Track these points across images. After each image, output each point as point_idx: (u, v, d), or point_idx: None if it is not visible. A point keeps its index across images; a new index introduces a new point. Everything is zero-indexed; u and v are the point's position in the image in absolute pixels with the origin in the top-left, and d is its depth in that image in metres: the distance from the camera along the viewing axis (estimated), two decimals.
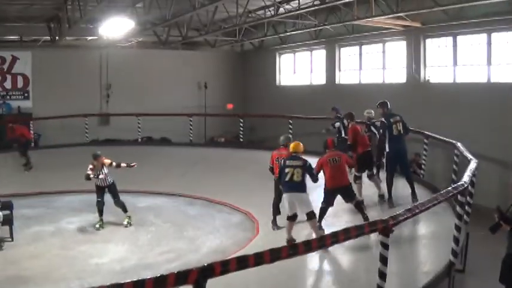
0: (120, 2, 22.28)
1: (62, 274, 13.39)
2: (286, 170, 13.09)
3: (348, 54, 28.81)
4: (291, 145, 13.79)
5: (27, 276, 13.32)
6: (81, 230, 17.39)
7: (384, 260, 7.71)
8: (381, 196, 15.58)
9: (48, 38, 31.13)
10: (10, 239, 16.04)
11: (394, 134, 14.96)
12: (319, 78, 30.67)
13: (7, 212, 16.43)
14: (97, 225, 17.29)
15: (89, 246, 15.61)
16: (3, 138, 26.61)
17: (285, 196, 13.32)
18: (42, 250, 15.33)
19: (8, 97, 31.45)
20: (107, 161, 17.32)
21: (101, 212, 17.33)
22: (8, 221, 16.13)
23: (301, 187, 13.05)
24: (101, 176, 17.25)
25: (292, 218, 13.06)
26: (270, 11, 24.41)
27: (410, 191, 14.78)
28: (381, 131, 15.69)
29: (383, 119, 15.30)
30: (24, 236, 16.58)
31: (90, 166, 17.09)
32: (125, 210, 17.64)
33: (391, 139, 14.99)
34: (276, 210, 15.51)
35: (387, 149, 15.13)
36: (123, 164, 17.81)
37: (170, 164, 23.73)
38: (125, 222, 17.46)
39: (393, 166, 15.21)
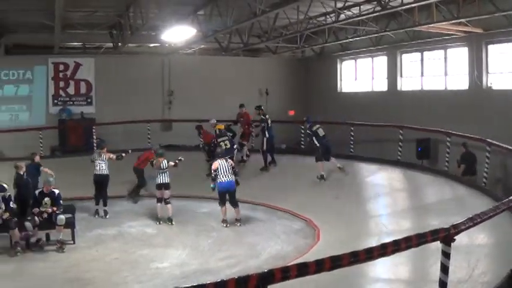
0: (181, 9, 22.45)
1: (122, 278, 13.58)
2: None
3: (409, 61, 28.48)
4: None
5: (87, 278, 13.55)
6: (142, 234, 17.59)
7: (444, 269, 7.62)
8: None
9: (110, 44, 31.51)
10: (72, 242, 16.36)
11: None
12: (380, 85, 30.37)
13: (69, 215, 16.70)
14: None
15: (149, 250, 15.82)
16: (66, 142, 27.08)
17: None
18: (103, 253, 15.61)
19: (71, 102, 31.91)
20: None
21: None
22: (70, 224, 16.44)
23: None
24: None
25: None
26: (330, 17, 24.24)
27: None
28: None
29: None
30: (86, 239, 16.90)
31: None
32: None
33: None
34: None
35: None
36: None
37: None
38: None
39: None
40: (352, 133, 23.74)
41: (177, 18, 22.32)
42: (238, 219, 18.71)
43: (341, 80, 33.54)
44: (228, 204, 18.68)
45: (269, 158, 24.37)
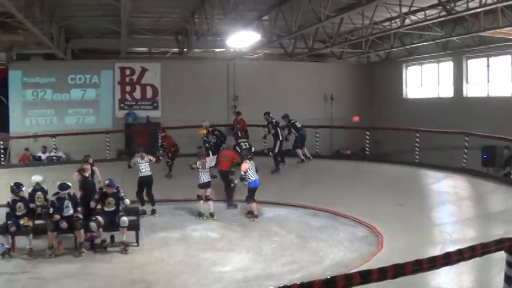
0: (246, 14, 22.53)
1: (185, 280, 13.68)
2: None
3: (475, 66, 28.11)
4: None
5: (150, 280, 13.71)
6: (206, 237, 17.69)
7: (508, 279, 7.47)
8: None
9: (176, 49, 31.83)
10: (136, 244, 16.54)
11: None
12: (446, 91, 30.00)
13: (134, 217, 16.91)
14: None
15: (212, 253, 15.87)
16: (132, 146, 27.41)
17: None
18: (166, 256, 15.75)
19: (138, 107, 32.33)
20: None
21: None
22: (135, 226, 16.64)
23: None
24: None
25: None
26: (396, 22, 24.09)
27: None
28: None
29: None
30: (150, 242, 17.10)
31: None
32: None
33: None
34: None
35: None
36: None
37: (295, 175, 23.83)
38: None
39: None
40: (417, 140, 23.45)
41: (242, 24, 22.42)
42: (257, 215, 20.08)
43: (406, 85, 33.27)
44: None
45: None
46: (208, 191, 20.55)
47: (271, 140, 25.69)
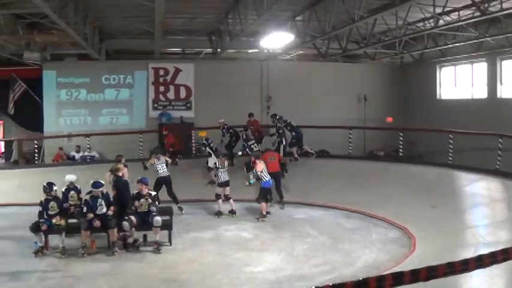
0: (280, 15, 22.56)
1: (217, 280, 13.66)
2: None
3: (509, 67, 27.82)
4: None
5: (182, 280, 13.74)
6: (238, 237, 17.71)
7: None
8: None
9: (209, 50, 31.95)
10: (168, 244, 16.59)
11: None
12: (480, 92, 29.79)
13: (167, 217, 16.97)
14: None
15: (244, 254, 15.84)
16: (165, 146, 27.58)
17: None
18: (198, 256, 15.74)
19: (171, 107, 32.50)
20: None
21: None
22: (167, 226, 16.68)
23: None
24: None
25: None
26: (429, 23, 23.98)
27: None
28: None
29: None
30: (183, 241, 17.11)
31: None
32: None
33: None
34: None
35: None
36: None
37: (328, 176, 23.75)
38: None
39: None
40: (450, 141, 23.30)
41: (275, 24, 22.44)
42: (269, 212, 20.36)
43: (440, 86, 33.04)
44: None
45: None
46: (227, 190, 20.75)
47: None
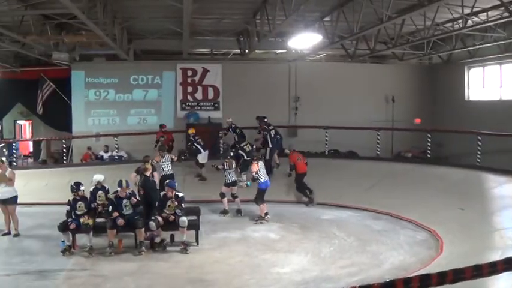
0: (308, 15, 22.54)
1: (244, 281, 13.72)
2: None
3: None
4: None
5: (209, 280, 13.83)
6: (266, 238, 17.73)
7: None
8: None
9: (237, 51, 31.99)
10: (196, 244, 16.66)
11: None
12: (508, 93, 29.52)
13: (194, 217, 17.06)
14: None
15: (271, 255, 15.89)
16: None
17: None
18: (226, 256, 15.83)
19: (199, 107, 32.59)
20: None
21: None
22: (195, 226, 16.77)
23: None
24: None
25: None
26: (458, 23, 23.85)
27: None
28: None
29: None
30: (210, 241, 17.23)
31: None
32: None
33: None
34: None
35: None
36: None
37: (356, 177, 23.71)
38: None
39: None
40: (479, 142, 23.12)
41: (303, 25, 22.39)
42: (267, 213, 20.11)
43: (468, 87, 32.80)
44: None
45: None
46: (235, 189, 21.15)
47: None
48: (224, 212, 20.95)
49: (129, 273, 14.26)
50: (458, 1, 20.10)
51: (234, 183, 20.99)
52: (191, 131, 25.97)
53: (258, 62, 32.90)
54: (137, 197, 16.64)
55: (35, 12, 20.93)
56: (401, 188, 21.80)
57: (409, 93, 34.63)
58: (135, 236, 16.20)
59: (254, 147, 24.60)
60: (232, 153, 22.72)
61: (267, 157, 24.60)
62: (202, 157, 24.65)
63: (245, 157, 23.18)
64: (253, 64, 32.59)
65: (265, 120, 25.78)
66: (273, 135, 25.32)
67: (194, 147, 24.99)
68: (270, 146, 25.07)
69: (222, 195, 21.04)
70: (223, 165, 20.99)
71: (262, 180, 20.04)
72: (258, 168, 20.07)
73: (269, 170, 23.08)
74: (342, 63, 33.48)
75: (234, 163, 21.31)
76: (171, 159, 21.25)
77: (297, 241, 17.29)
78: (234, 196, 21.14)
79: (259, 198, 20.03)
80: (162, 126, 28.19)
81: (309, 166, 22.34)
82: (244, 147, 23.96)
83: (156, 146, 24.78)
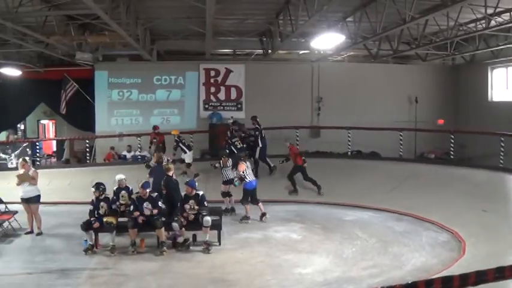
0: (330, 16, 22.51)
1: (265, 281, 13.75)
2: None
3: None
4: None
5: (231, 280, 13.84)
6: (287, 239, 17.73)
7: None
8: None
9: (260, 51, 32.01)
10: (218, 244, 16.73)
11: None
12: None
13: (216, 217, 17.12)
14: None
15: (293, 255, 15.86)
16: (215, 146, 27.78)
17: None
18: (247, 256, 15.85)
19: (222, 108, 32.67)
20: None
21: None
22: (217, 226, 16.83)
23: None
24: None
25: None
26: (481, 24, 23.73)
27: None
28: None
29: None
30: (232, 242, 17.26)
31: None
32: None
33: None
34: None
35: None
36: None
37: (379, 178, 23.69)
38: None
39: None
40: (502, 144, 23.00)
41: (326, 25, 22.40)
42: (265, 213, 20.14)
43: (492, 88, 32.61)
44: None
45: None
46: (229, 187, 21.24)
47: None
48: (230, 210, 21.05)
49: (151, 273, 14.34)
50: (481, 1, 20.00)
51: (230, 181, 20.92)
52: (175, 132, 26.18)
53: (280, 62, 32.89)
54: (160, 204, 16.61)
55: (59, 12, 21.07)
56: (423, 189, 21.73)
57: (432, 94, 34.51)
58: (157, 236, 16.24)
59: (245, 145, 24.69)
60: (227, 151, 22.77)
61: (256, 156, 24.89)
62: (188, 157, 24.92)
63: (235, 153, 23.26)
64: (276, 64, 32.59)
65: (257, 120, 25.92)
66: (263, 135, 25.51)
67: (179, 147, 25.09)
68: (260, 145, 25.26)
69: (224, 194, 21.18)
70: (220, 164, 21.21)
71: (247, 181, 20.05)
72: (245, 168, 20.15)
73: (268, 164, 24.10)
74: (365, 63, 33.40)
75: (230, 161, 21.33)
76: (168, 160, 21.22)
77: (319, 242, 17.28)
78: (228, 194, 21.27)
79: (245, 198, 20.11)
80: (155, 127, 28.34)
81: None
82: (236, 143, 24.26)
83: (150, 147, 25.18)
